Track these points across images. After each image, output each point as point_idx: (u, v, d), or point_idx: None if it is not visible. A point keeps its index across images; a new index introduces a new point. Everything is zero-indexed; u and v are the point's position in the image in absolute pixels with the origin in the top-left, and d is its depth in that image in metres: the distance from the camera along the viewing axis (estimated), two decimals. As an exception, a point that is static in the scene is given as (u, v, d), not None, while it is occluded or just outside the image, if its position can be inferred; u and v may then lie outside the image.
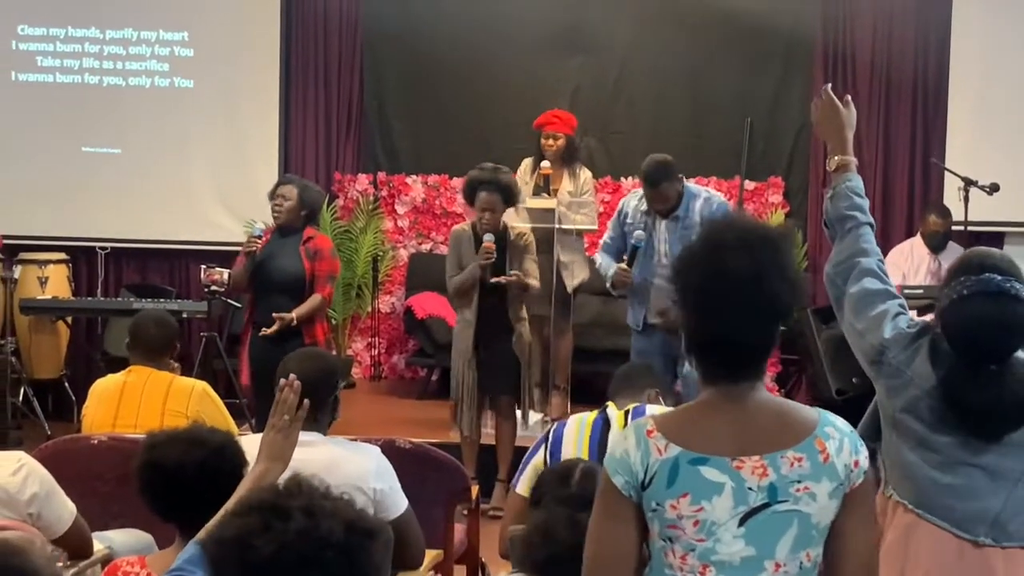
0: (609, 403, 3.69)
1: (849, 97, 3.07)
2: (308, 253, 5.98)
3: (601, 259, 6.15)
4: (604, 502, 2.22)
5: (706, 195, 6.07)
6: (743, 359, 2.21)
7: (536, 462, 3.54)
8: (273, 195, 6.11)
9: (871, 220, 2.94)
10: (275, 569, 1.81)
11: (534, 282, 6.14)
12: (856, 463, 2.18)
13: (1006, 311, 2.64)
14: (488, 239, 5.90)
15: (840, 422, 2.23)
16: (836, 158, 2.99)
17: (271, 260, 5.98)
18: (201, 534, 2.46)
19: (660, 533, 2.18)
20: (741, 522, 2.14)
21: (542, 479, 3.02)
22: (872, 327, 2.79)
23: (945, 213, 7.65)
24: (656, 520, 2.17)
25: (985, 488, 2.66)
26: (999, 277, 2.66)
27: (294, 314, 5.82)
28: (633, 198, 6.15)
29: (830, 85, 3.11)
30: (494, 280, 5.96)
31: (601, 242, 6.28)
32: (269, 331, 5.78)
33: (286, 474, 2.63)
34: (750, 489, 2.14)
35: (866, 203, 2.94)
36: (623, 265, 5.90)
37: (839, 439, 2.18)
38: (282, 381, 2.77)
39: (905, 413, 2.72)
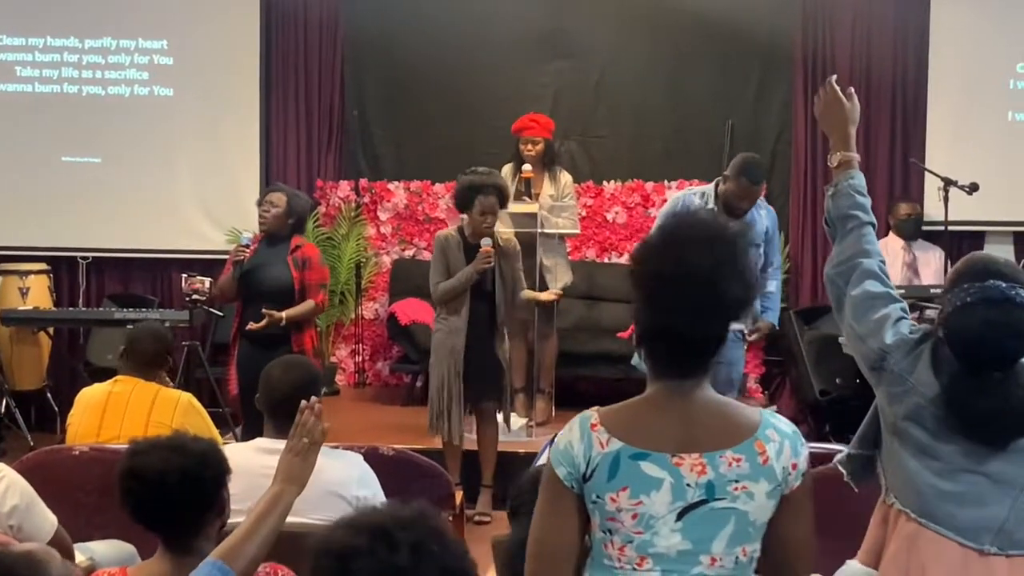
0: None
1: (852, 90, 3.00)
2: (296, 262, 5.96)
3: None
4: (547, 493, 2.27)
5: (766, 206, 6.08)
6: (691, 353, 2.24)
7: None
8: (261, 201, 6.10)
9: (873, 219, 2.88)
10: None
11: (541, 294, 6.32)
12: (795, 466, 2.23)
13: (1011, 318, 2.59)
14: (486, 243, 5.87)
15: (783, 424, 2.27)
16: (838, 154, 2.92)
17: (259, 269, 5.95)
18: (215, 554, 2.44)
19: (600, 525, 2.23)
20: (679, 517, 2.19)
21: (518, 489, 3.02)
22: (873, 332, 2.73)
23: (911, 200, 7.83)
24: (597, 512, 2.23)
25: (990, 495, 2.60)
26: (1004, 284, 2.61)
27: (284, 314, 5.80)
28: (695, 197, 5.94)
29: (835, 77, 3.05)
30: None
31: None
32: (256, 326, 5.76)
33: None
34: (688, 485, 2.19)
35: (868, 201, 2.88)
36: None
37: (779, 442, 2.22)
38: (303, 403, 2.75)
39: (907, 421, 2.66)
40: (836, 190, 2.89)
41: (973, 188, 7.11)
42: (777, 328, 6.14)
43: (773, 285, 6.04)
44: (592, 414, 2.27)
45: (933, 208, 7.59)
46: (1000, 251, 7.81)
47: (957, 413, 2.60)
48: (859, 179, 2.89)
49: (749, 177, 5.67)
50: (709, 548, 2.19)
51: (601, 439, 2.22)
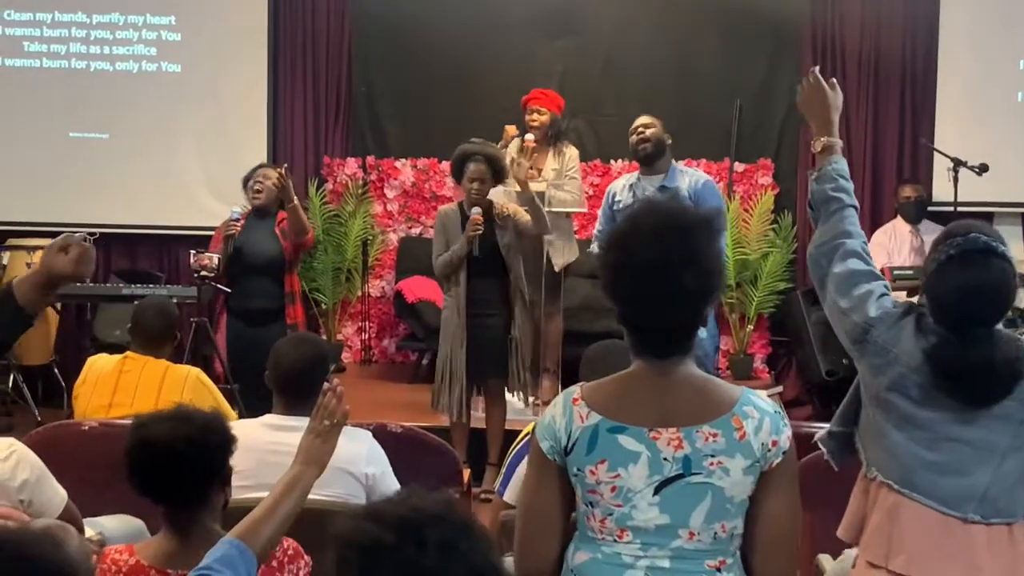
0: None
1: (835, 80, 3.05)
2: (284, 233, 6.00)
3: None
4: (533, 466, 2.35)
5: (692, 171, 6.43)
6: (661, 339, 2.28)
7: (522, 471, 3.41)
8: (251, 179, 6.13)
9: (855, 203, 2.93)
10: None
11: (524, 216, 5.97)
12: (775, 443, 2.25)
13: (993, 268, 2.62)
14: (476, 212, 5.85)
15: (763, 402, 2.29)
16: (822, 139, 2.97)
17: (249, 243, 5.99)
18: (234, 532, 2.44)
19: (583, 497, 2.29)
20: (656, 491, 2.23)
21: None
22: (857, 306, 2.78)
23: (915, 182, 7.82)
24: (579, 484, 2.29)
25: (972, 463, 2.64)
26: (984, 236, 2.65)
27: (296, 200, 5.98)
28: (619, 181, 6.35)
29: (818, 68, 3.08)
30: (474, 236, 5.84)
31: (595, 234, 6.32)
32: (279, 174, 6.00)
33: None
34: (665, 459, 2.23)
35: (851, 185, 2.93)
36: None
37: (759, 418, 2.25)
38: (325, 385, 2.76)
39: (891, 391, 2.70)
40: (820, 174, 2.94)
41: (983, 169, 7.09)
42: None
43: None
44: (576, 389, 2.33)
45: (942, 189, 7.57)
46: (1009, 232, 7.83)
47: (943, 373, 2.63)
48: (842, 164, 2.95)
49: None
50: (687, 523, 2.23)
51: (581, 412, 2.28)
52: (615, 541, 2.26)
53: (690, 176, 6.26)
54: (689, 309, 2.25)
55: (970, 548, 2.63)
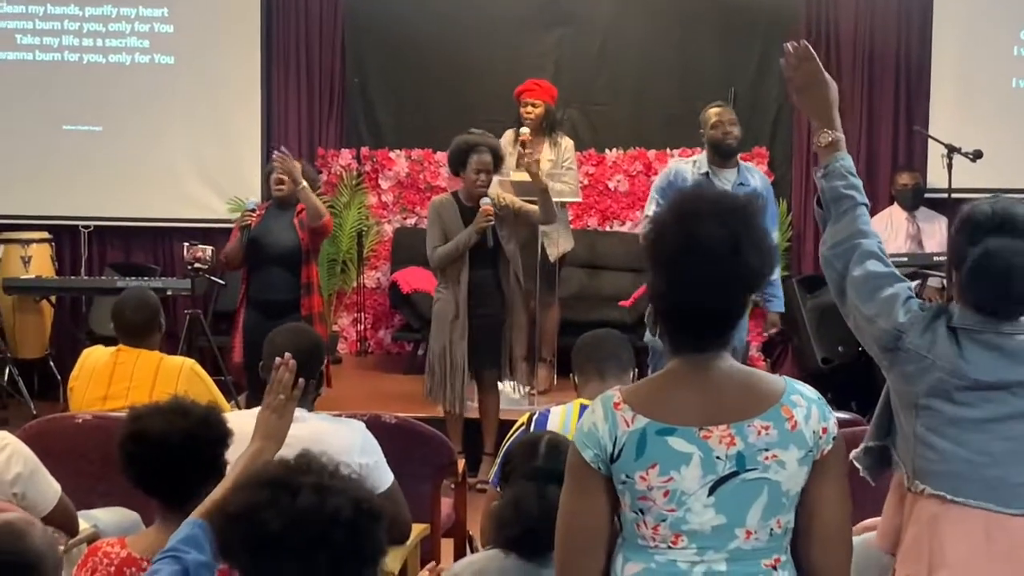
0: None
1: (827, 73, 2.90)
2: (302, 224, 5.98)
3: None
4: (574, 477, 2.24)
5: (759, 172, 6.32)
6: (711, 327, 2.22)
7: None
8: (272, 172, 6.13)
9: (866, 200, 2.79)
10: (281, 545, 1.83)
11: (527, 206, 6.03)
12: (824, 430, 2.20)
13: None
14: (486, 202, 5.84)
15: (807, 390, 2.24)
16: (827, 133, 2.79)
17: (266, 235, 5.97)
18: (196, 512, 2.45)
19: (631, 505, 2.20)
20: (710, 491, 2.16)
21: (510, 455, 3.01)
22: (883, 312, 2.65)
23: (912, 169, 7.81)
24: (627, 492, 2.19)
25: (1020, 463, 2.56)
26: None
27: (304, 184, 5.90)
28: (686, 164, 6.13)
29: (804, 41, 2.90)
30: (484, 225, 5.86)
31: (651, 215, 6.06)
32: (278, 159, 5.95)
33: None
34: (718, 458, 2.16)
35: (860, 182, 2.79)
36: None
37: (806, 406, 2.20)
38: (277, 360, 2.75)
39: (931, 397, 2.60)
40: (828, 171, 2.77)
41: (977, 155, 7.08)
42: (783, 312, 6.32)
43: (775, 270, 6.09)
44: (614, 393, 2.23)
45: (937, 176, 7.56)
46: (1003, 219, 7.79)
47: (990, 274, 2.57)
48: (848, 160, 2.79)
49: (714, 105, 6.12)
50: (744, 521, 2.16)
51: (626, 417, 2.18)
52: (669, 548, 2.17)
53: (758, 174, 6.19)
54: (748, 291, 2.22)
55: (1017, 544, 2.54)
